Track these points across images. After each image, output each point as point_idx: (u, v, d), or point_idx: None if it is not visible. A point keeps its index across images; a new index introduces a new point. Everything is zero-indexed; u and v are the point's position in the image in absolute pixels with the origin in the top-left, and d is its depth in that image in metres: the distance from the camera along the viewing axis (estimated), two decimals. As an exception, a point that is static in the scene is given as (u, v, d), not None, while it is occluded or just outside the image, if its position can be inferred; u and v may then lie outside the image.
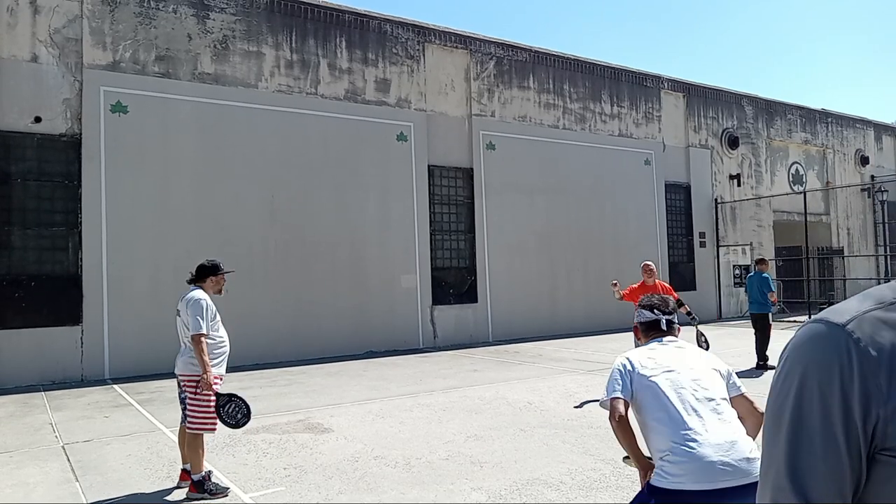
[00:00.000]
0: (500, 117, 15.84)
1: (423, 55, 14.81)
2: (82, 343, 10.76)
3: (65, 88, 10.99)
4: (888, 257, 25.20)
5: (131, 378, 10.58)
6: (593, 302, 16.84)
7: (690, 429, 2.51)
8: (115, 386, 10.04)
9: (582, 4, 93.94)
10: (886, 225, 25.10)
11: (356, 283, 13.43)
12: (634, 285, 8.28)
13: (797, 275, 21.18)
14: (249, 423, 5.08)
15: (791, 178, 22.67)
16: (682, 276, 19.10)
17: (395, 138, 14.19)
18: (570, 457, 5.53)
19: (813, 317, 0.96)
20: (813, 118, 23.53)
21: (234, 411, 4.91)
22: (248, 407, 4.97)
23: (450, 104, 15.19)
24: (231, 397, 4.93)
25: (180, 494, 4.89)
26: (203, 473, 4.85)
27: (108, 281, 11.01)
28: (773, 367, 9.96)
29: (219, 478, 5.14)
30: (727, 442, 2.49)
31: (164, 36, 11.82)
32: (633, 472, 5.01)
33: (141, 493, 4.95)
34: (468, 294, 15.09)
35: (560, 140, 16.79)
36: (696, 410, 2.55)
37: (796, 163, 22.99)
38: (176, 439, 6.37)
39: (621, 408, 2.67)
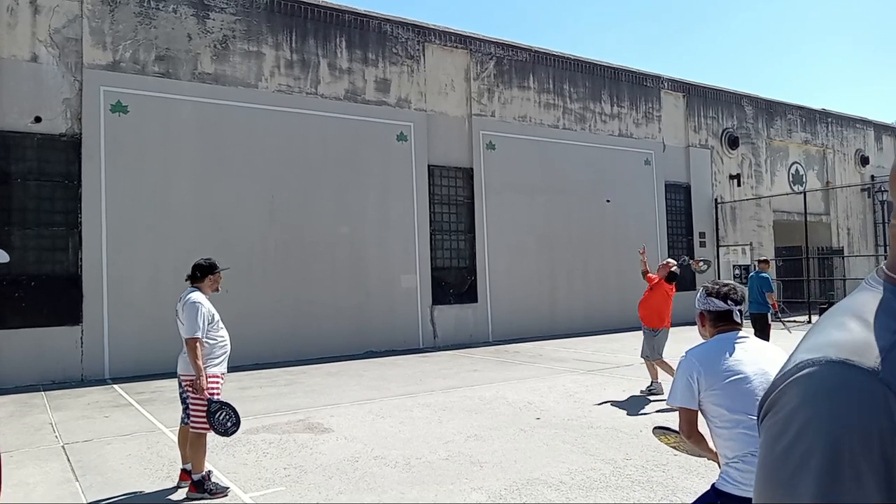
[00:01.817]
0: (500, 117, 15.83)
1: (423, 55, 14.80)
2: (82, 343, 10.76)
3: (65, 88, 10.98)
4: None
5: (131, 378, 10.58)
6: (593, 302, 16.85)
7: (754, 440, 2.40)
8: (115, 386, 10.04)
9: (582, 4, 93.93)
10: (886, 225, 25.06)
11: (356, 283, 13.43)
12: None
13: (797, 275, 21.18)
14: (239, 430, 5.02)
15: (791, 178, 22.66)
16: (682, 276, 19.07)
17: (395, 138, 14.19)
18: (570, 457, 5.52)
19: (825, 356, 0.72)
20: (813, 118, 23.53)
21: (225, 419, 4.88)
22: (237, 416, 4.94)
23: (450, 104, 15.19)
24: (223, 405, 4.90)
25: (181, 494, 4.89)
26: (203, 473, 4.85)
27: (108, 281, 11.00)
28: None
29: (218, 477, 5.14)
30: None
31: (164, 36, 11.82)
32: (634, 472, 5.02)
33: (141, 493, 4.95)
34: (468, 294, 15.09)
35: (560, 140, 16.79)
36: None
37: (796, 163, 22.99)
38: (176, 439, 6.37)
39: (695, 421, 2.60)
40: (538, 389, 8.74)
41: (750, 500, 2.59)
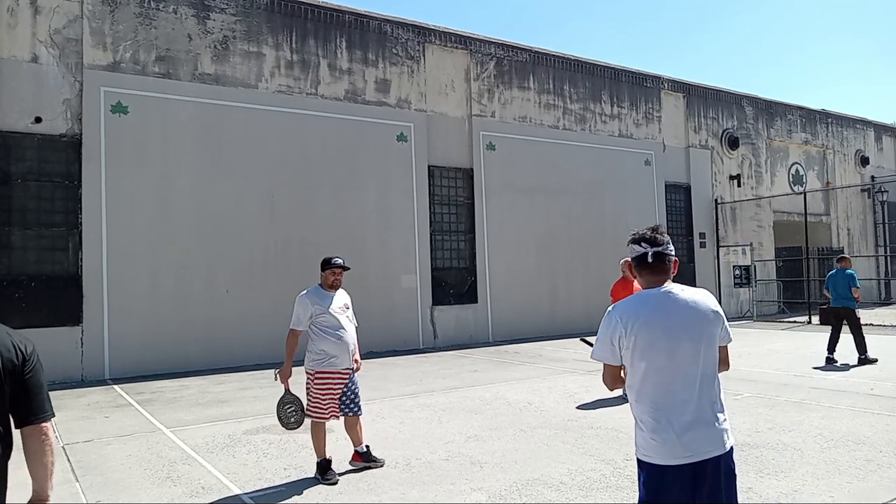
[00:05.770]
0: (501, 118, 15.84)
1: (423, 55, 14.81)
2: (82, 343, 10.76)
3: (65, 89, 10.99)
4: (888, 258, 25.19)
5: (131, 378, 10.58)
6: (593, 302, 16.81)
7: (668, 398, 2.42)
8: (115, 386, 10.04)
9: (582, 4, 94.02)
10: (886, 225, 25.10)
11: (356, 284, 13.36)
12: (617, 283, 8.61)
13: (797, 275, 21.17)
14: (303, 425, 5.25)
15: (791, 179, 22.66)
16: (683, 276, 19.09)
17: (395, 139, 14.19)
18: (570, 457, 5.52)
19: None
20: (813, 118, 23.53)
21: (290, 413, 5.19)
22: (303, 417, 5.18)
23: (450, 105, 15.19)
24: (296, 401, 5.23)
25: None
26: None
27: (108, 281, 11.00)
28: (875, 361, 10.13)
29: (218, 478, 5.14)
30: (698, 411, 2.42)
31: (165, 36, 11.82)
32: (634, 473, 5.01)
33: (141, 494, 4.95)
34: (468, 294, 15.09)
35: (560, 140, 16.79)
36: (681, 378, 2.44)
37: (796, 163, 22.99)
38: (176, 439, 6.41)
39: (618, 375, 2.59)
40: (538, 390, 8.74)
41: (659, 466, 2.45)
